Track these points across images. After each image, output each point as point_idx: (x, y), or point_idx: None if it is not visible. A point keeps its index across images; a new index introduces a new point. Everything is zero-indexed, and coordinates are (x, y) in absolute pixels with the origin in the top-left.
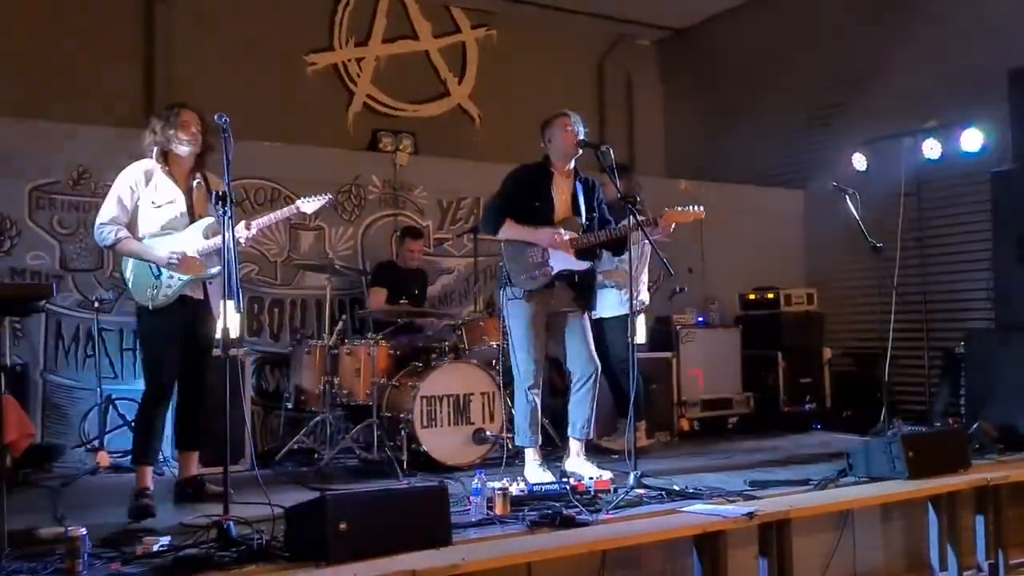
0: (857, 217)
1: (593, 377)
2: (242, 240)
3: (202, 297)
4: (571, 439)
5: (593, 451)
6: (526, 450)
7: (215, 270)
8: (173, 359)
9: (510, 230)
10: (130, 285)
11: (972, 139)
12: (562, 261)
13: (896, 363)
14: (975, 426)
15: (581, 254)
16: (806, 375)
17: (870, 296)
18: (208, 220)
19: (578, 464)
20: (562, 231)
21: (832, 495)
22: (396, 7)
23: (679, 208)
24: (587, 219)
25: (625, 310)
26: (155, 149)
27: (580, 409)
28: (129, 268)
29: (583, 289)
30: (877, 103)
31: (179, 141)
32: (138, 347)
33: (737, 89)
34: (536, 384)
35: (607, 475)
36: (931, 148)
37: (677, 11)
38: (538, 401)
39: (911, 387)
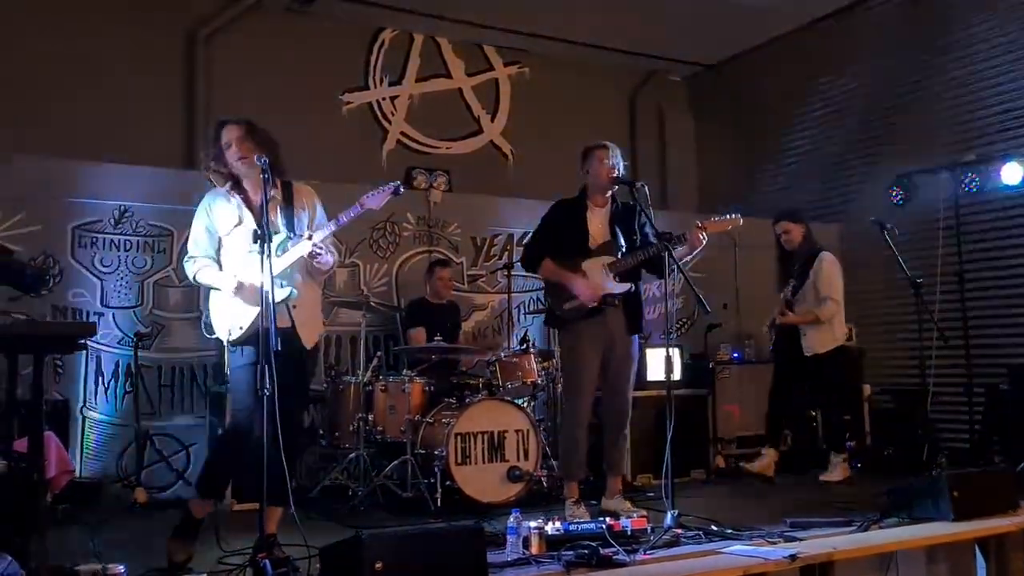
0: (896, 252)
1: (619, 420)
2: (308, 247)
3: (288, 325)
4: (608, 477)
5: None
6: (565, 486)
7: (286, 291)
8: (251, 394)
9: (547, 271)
10: (210, 321)
11: (1012, 172)
12: (603, 287)
13: (938, 400)
14: (1022, 466)
15: (623, 278)
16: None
17: (910, 332)
18: (279, 238)
19: (616, 503)
20: (603, 263)
21: (875, 536)
22: (429, 46)
23: (715, 218)
24: (626, 242)
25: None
26: (215, 177)
27: (608, 447)
28: (210, 302)
29: (630, 311)
30: (915, 136)
31: (230, 161)
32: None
33: (770, 123)
34: (580, 415)
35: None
36: (970, 182)
37: (708, 46)
38: (582, 434)
39: (954, 425)
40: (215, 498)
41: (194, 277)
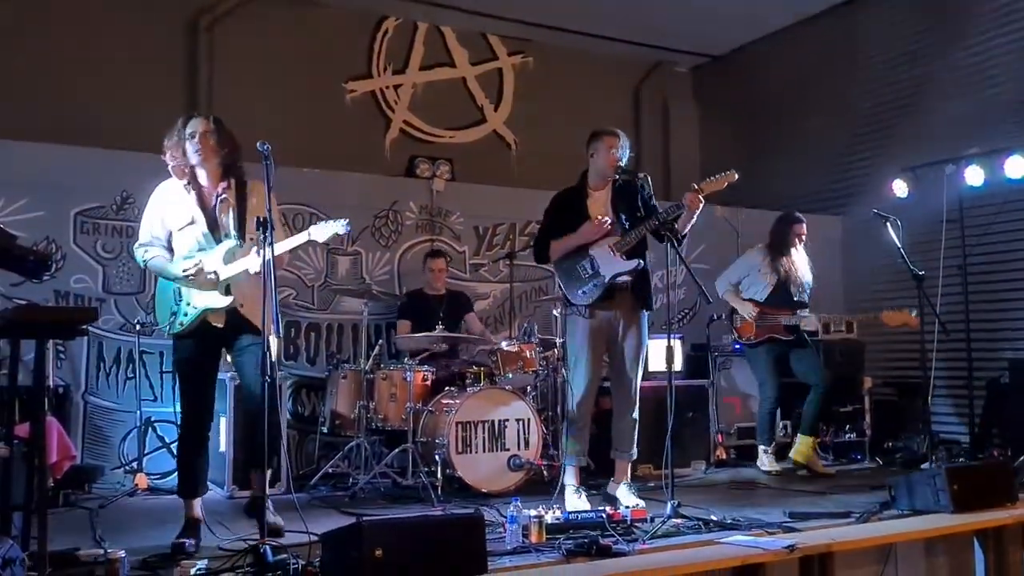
0: (898, 244)
1: (628, 399)
2: (252, 269)
3: (222, 326)
4: (615, 460)
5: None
6: (566, 470)
7: (227, 300)
8: (198, 387)
9: (556, 247)
10: (156, 311)
11: (1016, 166)
12: (612, 266)
13: (939, 393)
14: (1021, 459)
15: (630, 254)
16: (846, 404)
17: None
18: (228, 245)
19: (621, 491)
20: (608, 245)
21: (874, 528)
22: (433, 35)
23: (710, 179)
24: (628, 219)
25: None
26: (171, 165)
27: (618, 432)
28: (157, 293)
29: (639, 290)
30: (918, 129)
31: (189, 152)
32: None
33: (774, 115)
34: (586, 405)
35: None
36: (974, 175)
37: (713, 38)
38: (585, 422)
39: (954, 418)
40: (196, 496)
41: (145, 263)
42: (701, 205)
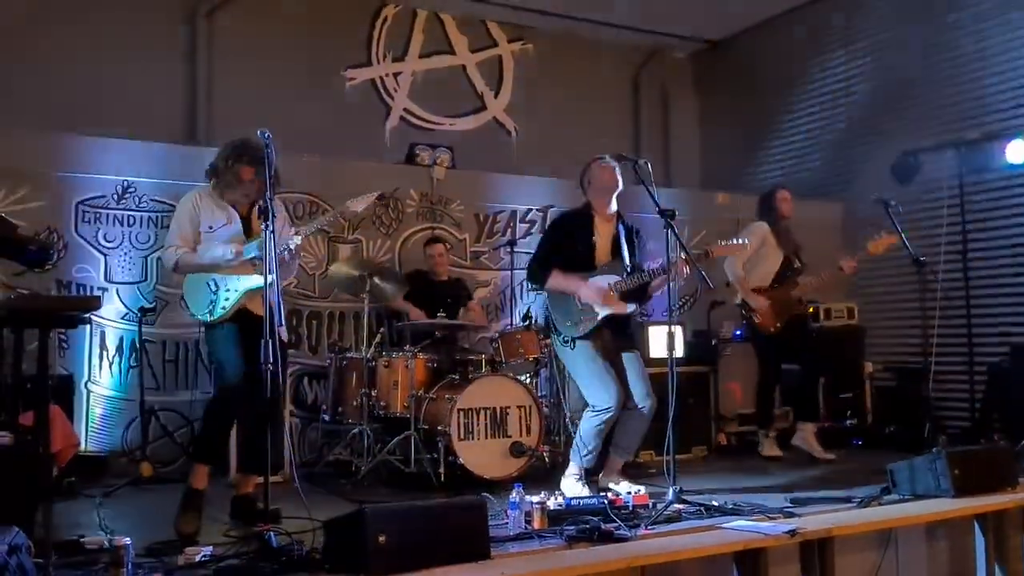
0: (899, 229)
1: (650, 410)
2: (292, 244)
3: (261, 313)
4: (613, 457)
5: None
6: (571, 464)
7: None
8: (237, 368)
9: (555, 282)
10: (188, 302)
11: (1017, 150)
12: (607, 308)
13: (940, 378)
14: (1022, 443)
15: (628, 296)
16: (847, 390)
17: (912, 310)
18: (260, 240)
19: (616, 480)
20: (605, 279)
21: (875, 513)
22: (433, 22)
23: (722, 243)
24: (630, 262)
25: None
26: (215, 185)
27: (632, 433)
28: (187, 288)
29: (627, 329)
30: (919, 114)
31: (233, 195)
32: (209, 363)
33: (774, 100)
34: (616, 410)
35: (642, 490)
36: (974, 160)
37: (712, 23)
38: (606, 428)
39: (955, 402)
40: (211, 463)
41: (179, 263)
42: (686, 272)
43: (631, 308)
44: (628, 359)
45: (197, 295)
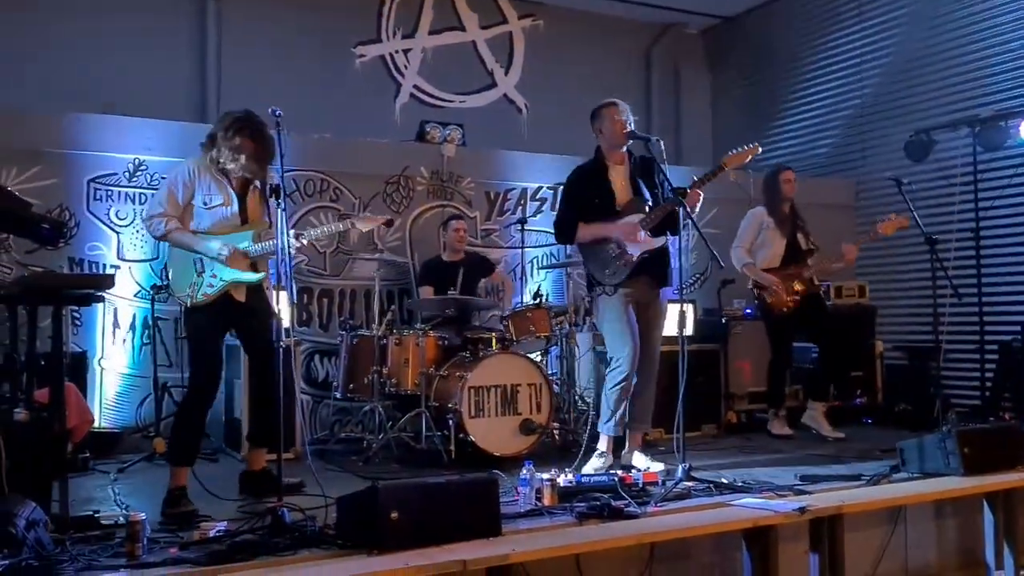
0: (911, 208)
1: (653, 373)
2: (292, 250)
3: (243, 299)
4: (630, 432)
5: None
6: (601, 438)
7: (259, 275)
8: (213, 358)
9: (584, 232)
10: (171, 280)
11: None
12: (638, 245)
13: (950, 357)
14: None
15: (655, 231)
16: (857, 369)
17: (924, 288)
18: (256, 227)
19: (636, 457)
20: (633, 220)
21: (884, 491)
22: None
23: (733, 151)
24: (651, 196)
25: None
26: (209, 157)
27: (640, 404)
28: (172, 262)
29: (660, 266)
30: (933, 92)
31: (230, 162)
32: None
33: (786, 77)
34: (629, 369)
35: (658, 467)
36: (988, 138)
37: None
38: (625, 391)
39: (966, 381)
40: (190, 465)
41: (168, 236)
42: (700, 199)
43: (662, 241)
44: (652, 314)
45: (180, 273)
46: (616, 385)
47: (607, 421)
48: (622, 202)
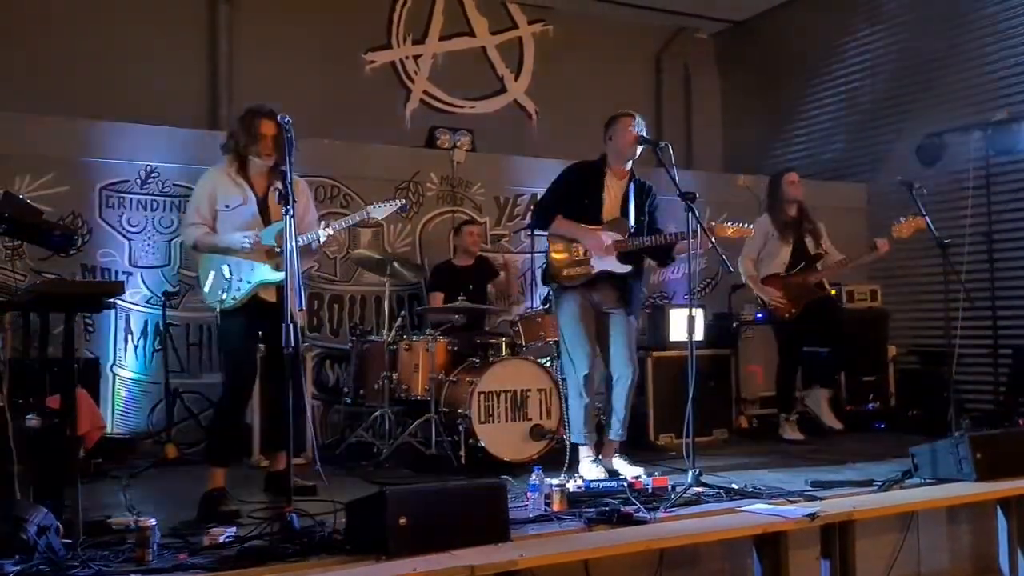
0: (923, 212)
1: (631, 379)
2: (321, 238)
3: (274, 300)
4: (608, 440)
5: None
6: (580, 447)
7: (280, 275)
8: (245, 362)
9: (560, 226)
10: (203, 287)
11: None
12: (603, 262)
13: (963, 361)
14: None
15: (624, 257)
16: (869, 373)
17: (936, 292)
18: (278, 226)
19: (617, 464)
20: (608, 236)
21: (896, 496)
22: (453, 4)
23: (730, 224)
24: (636, 222)
25: None
26: (231, 154)
27: (617, 410)
28: (203, 272)
29: (625, 291)
30: (944, 94)
31: (255, 153)
32: (219, 350)
33: (798, 81)
34: (589, 378)
35: (639, 471)
36: (1000, 141)
37: (736, 2)
38: (591, 398)
39: (979, 386)
40: (228, 465)
41: (197, 242)
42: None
43: (625, 269)
44: (616, 322)
45: (211, 280)
46: (575, 388)
47: (576, 432)
48: (609, 215)
